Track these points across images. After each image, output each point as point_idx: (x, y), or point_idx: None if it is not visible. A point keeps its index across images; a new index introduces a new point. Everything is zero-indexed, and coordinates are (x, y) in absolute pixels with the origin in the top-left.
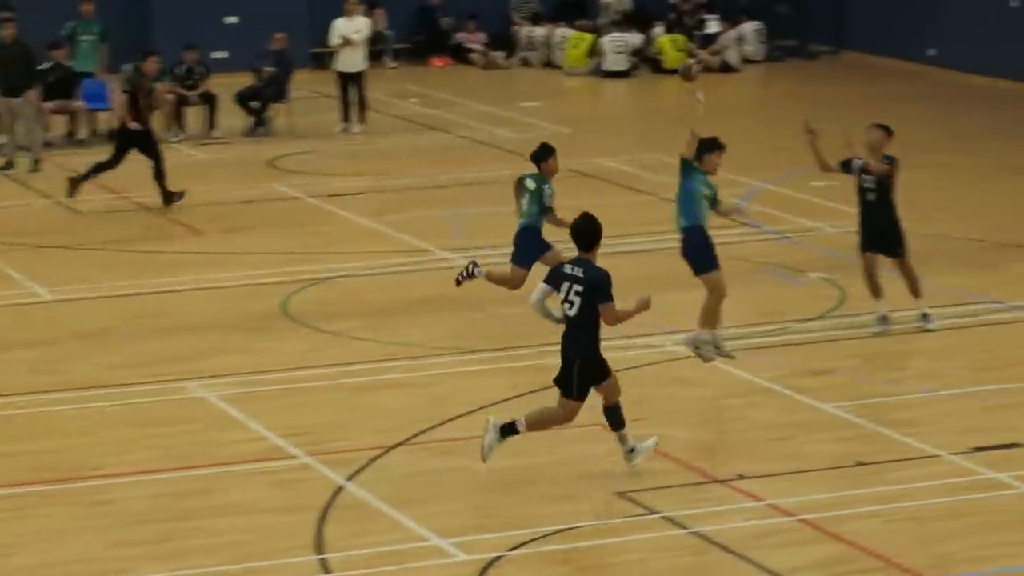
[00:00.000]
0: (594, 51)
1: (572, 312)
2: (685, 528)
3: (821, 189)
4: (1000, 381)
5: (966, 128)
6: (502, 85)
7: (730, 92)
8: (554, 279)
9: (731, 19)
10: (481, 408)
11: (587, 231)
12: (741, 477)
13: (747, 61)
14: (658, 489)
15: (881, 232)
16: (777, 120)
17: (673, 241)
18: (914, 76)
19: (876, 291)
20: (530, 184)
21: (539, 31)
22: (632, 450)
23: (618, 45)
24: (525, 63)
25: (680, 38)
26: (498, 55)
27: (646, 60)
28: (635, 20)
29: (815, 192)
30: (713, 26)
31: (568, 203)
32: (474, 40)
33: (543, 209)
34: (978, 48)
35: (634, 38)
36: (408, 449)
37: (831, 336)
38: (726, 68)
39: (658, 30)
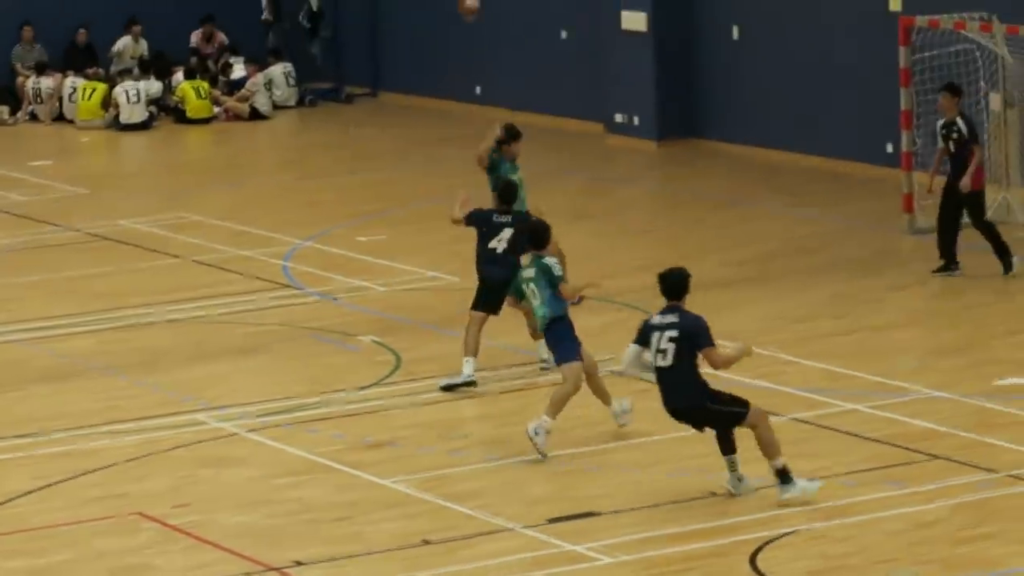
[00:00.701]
0: (108, 102)
1: (666, 362)
2: None
3: (368, 245)
4: (570, 445)
5: (529, 172)
6: (9, 143)
7: (262, 142)
8: (643, 335)
9: (258, 62)
10: (10, 500)
11: (677, 282)
12: (298, 564)
13: (278, 107)
14: None
15: None
16: (314, 171)
17: (207, 309)
18: (462, 117)
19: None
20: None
21: (46, 82)
22: (740, 479)
23: (134, 94)
24: (33, 118)
25: (204, 84)
26: (2, 110)
27: (167, 110)
28: (152, 66)
29: (361, 248)
30: (239, 70)
31: (91, 271)
32: None
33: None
34: (530, 85)
35: (152, 86)
36: None
37: (388, 405)
38: (256, 115)
39: (179, 76)
